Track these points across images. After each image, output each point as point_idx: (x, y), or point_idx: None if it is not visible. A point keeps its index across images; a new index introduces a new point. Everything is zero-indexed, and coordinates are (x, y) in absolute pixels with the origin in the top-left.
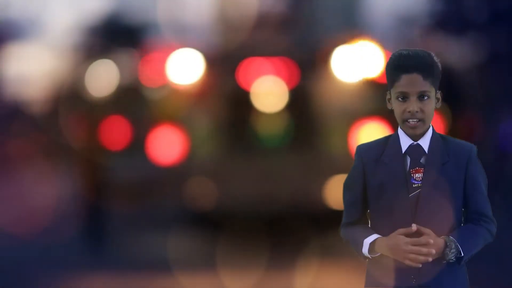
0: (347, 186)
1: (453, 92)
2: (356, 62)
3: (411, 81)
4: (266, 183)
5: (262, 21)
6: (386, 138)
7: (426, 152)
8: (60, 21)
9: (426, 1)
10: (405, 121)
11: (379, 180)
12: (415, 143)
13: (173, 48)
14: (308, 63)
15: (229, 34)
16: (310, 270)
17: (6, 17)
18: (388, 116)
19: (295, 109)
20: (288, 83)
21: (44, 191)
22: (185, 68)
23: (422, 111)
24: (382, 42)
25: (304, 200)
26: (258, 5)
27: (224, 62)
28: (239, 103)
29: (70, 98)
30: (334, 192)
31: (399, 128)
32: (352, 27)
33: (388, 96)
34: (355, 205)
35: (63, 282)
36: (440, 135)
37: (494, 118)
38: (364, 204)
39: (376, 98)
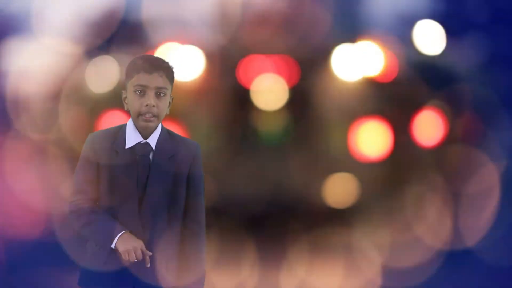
0: (81, 167)
1: (453, 93)
2: (357, 61)
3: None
4: (265, 181)
5: (263, 19)
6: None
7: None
8: (61, 17)
9: (427, 0)
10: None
11: (112, 171)
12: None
13: (173, 45)
14: (308, 61)
15: (230, 31)
16: (312, 269)
17: (6, 11)
18: (388, 115)
19: (295, 107)
20: (288, 81)
21: (44, 189)
22: (185, 65)
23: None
24: (383, 41)
25: (303, 198)
26: (259, 2)
27: (224, 60)
28: (239, 100)
29: (70, 94)
30: (333, 190)
31: (130, 121)
32: (353, 25)
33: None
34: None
35: (64, 281)
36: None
37: (496, 120)
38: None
39: (376, 97)
